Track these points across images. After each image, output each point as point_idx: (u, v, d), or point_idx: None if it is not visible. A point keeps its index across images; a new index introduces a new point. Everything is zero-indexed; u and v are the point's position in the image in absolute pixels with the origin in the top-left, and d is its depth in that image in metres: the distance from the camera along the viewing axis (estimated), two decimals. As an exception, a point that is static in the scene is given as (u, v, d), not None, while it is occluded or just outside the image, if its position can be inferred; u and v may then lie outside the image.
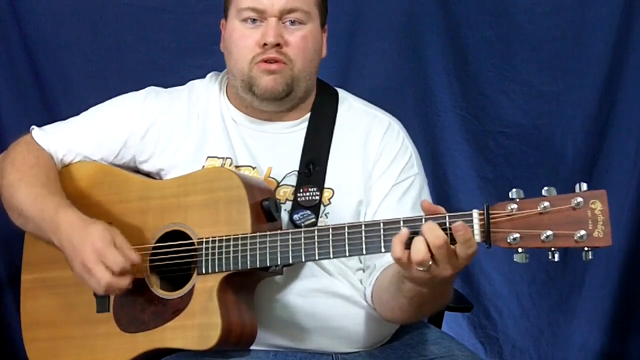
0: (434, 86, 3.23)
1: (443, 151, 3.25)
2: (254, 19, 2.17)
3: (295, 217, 2.12)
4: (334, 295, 2.14)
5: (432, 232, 1.76)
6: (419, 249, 1.76)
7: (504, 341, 3.28)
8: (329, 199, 2.17)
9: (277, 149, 2.22)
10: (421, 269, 1.78)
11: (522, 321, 3.28)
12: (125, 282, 2.04)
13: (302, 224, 2.10)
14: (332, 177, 2.18)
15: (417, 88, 3.24)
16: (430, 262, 1.77)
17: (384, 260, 2.06)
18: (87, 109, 2.37)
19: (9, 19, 3.13)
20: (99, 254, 2.02)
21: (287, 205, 2.16)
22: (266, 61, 2.15)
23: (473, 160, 3.25)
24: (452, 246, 1.77)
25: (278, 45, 2.14)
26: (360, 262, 2.18)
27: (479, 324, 3.27)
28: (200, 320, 2.01)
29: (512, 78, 3.20)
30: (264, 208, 2.05)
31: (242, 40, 2.18)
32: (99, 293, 2.07)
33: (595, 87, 3.17)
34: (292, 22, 2.17)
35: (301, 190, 2.15)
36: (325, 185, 2.17)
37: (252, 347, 2.10)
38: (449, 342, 2.23)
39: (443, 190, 3.24)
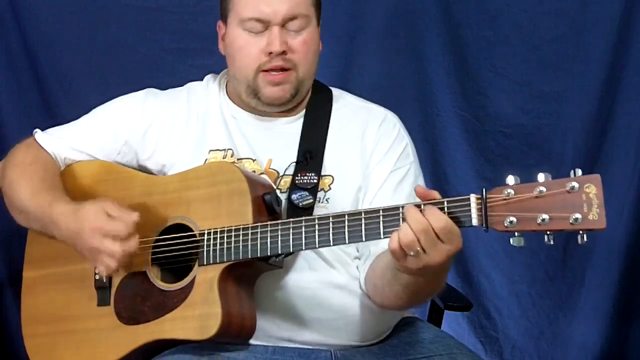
0: (434, 86, 3.23)
1: (443, 151, 3.25)
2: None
3: (294, 196, 2.14)
4: (332, 286, 2.14)
5: (414, 218, 1.78)
6: (405, 232, 1.78)
7: (504, 341, 3.27)
8: (329, 185, 2.19)
9: (276, 141, 2.25)
10: (412, 253, 1.79)
11: (522, 321, 3.27)
12: (134, 242, 2.03)
13: (300, 204, 2.13)
14: (332, 164, 2.20)
15: (417, 88, 3.24)
16: (418, 248, 1.78)
17: (379, 246, 2.07)
18: (87, 109, 2.37)
19: (9, 19, 3.13)
20: (99, 231, 2.02)
21: (287, 193, 2.18)
22: (272, 70, 2.18)
23: (473, 160, 3.25)
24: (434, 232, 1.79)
25: (283, 52, 2.17)
26: (358, 250, 2.19)
27: (479, 324, 3.27)
28: (200, 311, 2.01)
29: (512, 78, 3.20)
30: (266, 201, 2.07)
31: (246, 48, 2.19)
32: (114, 268, 2.04)
33: (595, 87, 3.18)
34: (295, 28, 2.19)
35: (299, 175, 2.18)
36: (326, 173, 2.19)
37: (250, 342, 2.11)
38: (447, 340, 2.22)
39: (443, 190, 3.17)
